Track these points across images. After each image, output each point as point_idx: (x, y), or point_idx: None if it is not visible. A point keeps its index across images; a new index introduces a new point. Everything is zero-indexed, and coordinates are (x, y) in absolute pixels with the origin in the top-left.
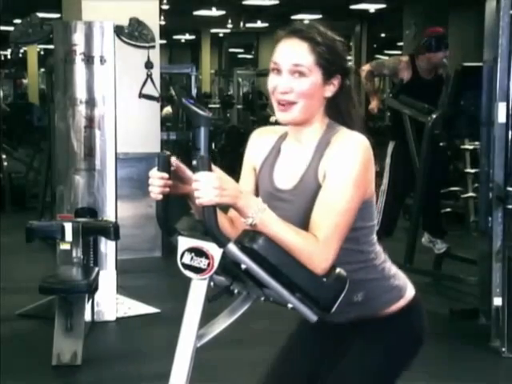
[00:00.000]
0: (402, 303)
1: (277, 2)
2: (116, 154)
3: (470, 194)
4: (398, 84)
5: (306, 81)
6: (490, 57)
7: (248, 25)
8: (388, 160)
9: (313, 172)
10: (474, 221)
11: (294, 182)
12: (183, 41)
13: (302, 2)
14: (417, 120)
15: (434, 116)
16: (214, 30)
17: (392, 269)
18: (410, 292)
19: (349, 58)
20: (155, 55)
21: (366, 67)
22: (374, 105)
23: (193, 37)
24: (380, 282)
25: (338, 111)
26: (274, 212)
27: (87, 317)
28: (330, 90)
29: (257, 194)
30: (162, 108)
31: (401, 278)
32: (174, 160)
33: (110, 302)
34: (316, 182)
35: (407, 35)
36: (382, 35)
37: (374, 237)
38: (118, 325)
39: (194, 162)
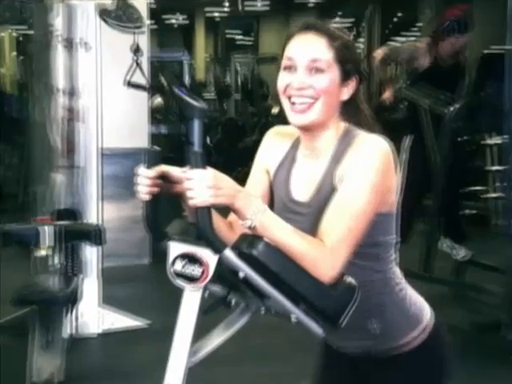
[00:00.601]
0: (419, 331)
1: None
2: (100, 149)
3: (493, 194)
4: (414, 72)
5: (324, 77)
6: None
7: (247, 7)
8: (403, 156)
9: (329, 179)
10: (497, 224)
11: (310, 194)
12: (175, 24)
13: None
14: (435, 112)
15: (454, 107)
16: (209, 12)
17: (408, 291)
18: (429, 317)
19: (359, 43)
20: (144, 40)
21: (378, 53)
22: (387, 95)
23: (186, 19)
24: (397, 307)
25: (352, 117)
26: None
27: (67, 331)
28: (346, 93)
29: (268, 200)
30: (151, 98)
31: (418, 302)
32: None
33: (93, 315)
34: (332, 189)
35: (425, 17)
36: (397, 17)
37: (393, 253)
38: (101, 340)
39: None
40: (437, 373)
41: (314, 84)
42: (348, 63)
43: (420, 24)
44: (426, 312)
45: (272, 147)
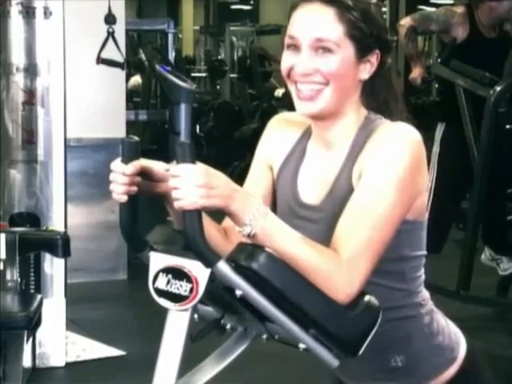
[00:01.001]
0: (454, 369)
1: None
2: (65, 140)
3: None
4: (450, 45)
5: (334, 58)
6: None
7: None
8: (436, 149)
9: (346, 176)
10: None
11: (322, 196)
12: None
13: None
14: (475, 94)
15: (499, 88)
16: None
17: (440, 320)
18: (463, 350)
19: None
20: (119, 6)
21: (405, 22)
22: (416, 73)
23: None
24: (427, 339)
25: (376, 98)
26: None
27: (26, 361)
28: (366, 71)
29: (272, 202)
30: (128, 78)
31: (451, 332)
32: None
33: (58, 342)
34: (349, 188)
35: None
36: None
37: (423, 274)
38: (68, 372)
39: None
40: None
41: (321, 67)
42: (366, 37)
43: None
44: (461, 342)
45: (277, 138)
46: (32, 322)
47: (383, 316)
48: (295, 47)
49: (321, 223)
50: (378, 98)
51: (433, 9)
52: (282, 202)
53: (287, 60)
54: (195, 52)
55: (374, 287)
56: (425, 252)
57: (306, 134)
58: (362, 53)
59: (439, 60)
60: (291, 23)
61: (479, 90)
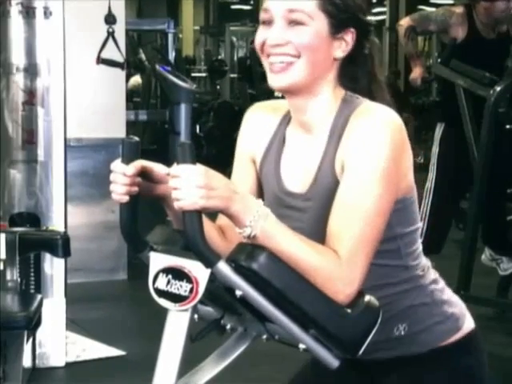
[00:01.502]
0: (456, 338)
1: None
2: (65, 140)
3: None
4: (450, 45)
5: (306, 30)
6: None
7: None
8: (435, 149)
9: (329, 165)
10: None
11: (307, 184)
12: None
13: None
14: (475, 94)
15: (499, 88)
16: None
17: (445, 291)
18: (469, 324)
19: (382, 10)
20: (119, 6)
21: (405, 21)
22: (416, 73)
23: None
24: (430, 308)
25: (356, 81)
26: (282, 223)
27: (26, 361)
28: (341, 49)
29: (260, 196)
30: (128, 78)
31: (457, 305)
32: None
33: (58, 342)
34: (333, 179)
35: None
36: None
37: (419, 246)
38: (68, 372)
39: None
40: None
41: (293, 39)
42: (341, 13)
43: None
44: (467, 317)
45: (254, 129)
46: (32, 322)
47: (383, 291)
48: (268, 22)
49: (308, 212)
50: (361, 87)
51: (433, 9)
52: (267, 192)
53: (261, 34)
54: (195, 52)
55: (373, 267)
56: (418, 225)
57: (284, 120)
58: (335, 29)
59: (439, 60)
60: None
61: (479, 89)
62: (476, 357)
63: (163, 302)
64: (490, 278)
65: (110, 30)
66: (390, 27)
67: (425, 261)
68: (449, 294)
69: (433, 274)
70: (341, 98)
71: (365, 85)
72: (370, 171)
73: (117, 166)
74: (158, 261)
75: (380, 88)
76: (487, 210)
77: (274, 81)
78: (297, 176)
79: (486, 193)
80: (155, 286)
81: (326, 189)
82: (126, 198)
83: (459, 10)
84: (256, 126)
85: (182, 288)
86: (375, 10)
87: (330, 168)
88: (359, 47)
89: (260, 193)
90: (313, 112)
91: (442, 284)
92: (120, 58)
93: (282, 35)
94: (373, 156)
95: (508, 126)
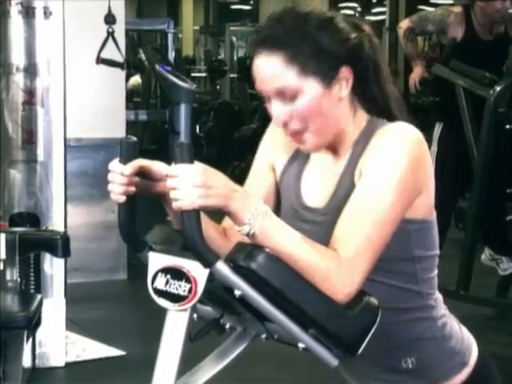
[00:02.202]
0: (465, 374)
1: None
2: (65, 140)
3: None
4: (449, 45)
5: (301, 101)
6: None
7: None
8: (434, 148)
9: (349, 179)
10: None
11: (325, 199)
12: None
13: None
14: (474, 94)
15: (499, 88)
16: None
17: (454, 325)
18: (475, 355)
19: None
20: (119, 6)
21: (404, 23)
22: (417, 73)
23: None
24: (440, 342)
25: (372, 100)
26: None
27: (26, 361)
28: (342, 89)
29: (273, 205)
30: (128, 78)
31: (464, 339)
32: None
33: (58, 342)
34: (352, 189)
35: None
36: None
37: (436, 275)
38: (67, 372)
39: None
40: None
41: (294, 113)
42: (323, 63)
43: None
44: (473, 347)
45: (280, 140)
46: (32, 322)
47: (395, 317)
48: (268, 98)
49: (325, 226)
50: (376, 103)
51: (433, 9)
52: (285, 204)
53: (269, 111)
54: (195, 52)
55: (386, 288)
56: (438, 252)
57: None
58: (327, 79)
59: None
60: (253, 74)
61: (479, 89)
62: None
63: (162, 302)
64: (490, 278)
65: (110, 30)
66: (389, 27)
67: (438, 293)
68: (456, 328)
69: (443, 309)
70: (365, 121)
71: (382, 102)
72: (386, 178)
73: (115, 165)
74: (156, 261)
75: (398, 105)
76: (487, 210)
77: (301, 148)
78: (316, 192)
79: (486, 193)
80: (154, 285)
81: (344, 202)
82: (123, 198)
83: (457, 9)
84: (281, 135)
85: (180, 288)
86: (375, 10)
87: (350, 181)
88: (363, 73)
89: (275, 201)
90: (338, 140)
91: (451, 318)
92: (120, 58)
93: (282, 112)
94: (390, 164)
95: (508, 126)
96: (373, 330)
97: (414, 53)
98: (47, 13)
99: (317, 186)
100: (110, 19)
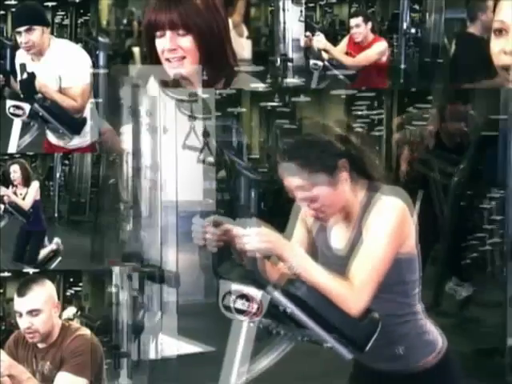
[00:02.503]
0: (434, 356)
1: None
2: (161, 201)
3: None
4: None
5: (321, 196)
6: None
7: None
8: (417, 208)
9: (358, 235)
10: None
11: (347, 248)
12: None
13: None
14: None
15: (458, 178)
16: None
17: (428, 323)
18: (440, 345)
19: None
20: (212, 124)
21: (394, 137)
22: (404, 166)
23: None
24: (420, 336)
25: (362, 176)
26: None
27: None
28: (343, 178)
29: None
30: (217, 171)
31: (434, 331)
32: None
33: (170, 342)
34: (361, 242)
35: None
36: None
37: (419, 292)
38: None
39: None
40: None
41: (314, 206)
42: (324, 166)
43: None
44: (439, 339)
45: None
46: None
47: (392, 320)
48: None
49: (344, 267)
50: (364, 175)
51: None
52: (320, 251)
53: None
54: (251, 141)
55: (386, 302)
56: (419, 277)
57: None
58: (332, 176)
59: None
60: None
61: (444, 180)
62: (452, 364)
63: (235, 316)
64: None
65: (206, 142)
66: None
67: (420, 303)
68: (430, 326)
69: (423, 313)
70: (364, 196)
71: (367, 174)
72: (382, 236)
73: (196, 220)
74: (225, 286)
75: (379, 173)
76: (451, 253)
77: (318, 220)
78: (338, 243)
79: (450, 241)
80: (224, 303)
81: (356, 250)
82: (215, 249)
83: (431, 126)
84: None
85: (250, 307)
86: None
87: (359, 237)
88: (351, 164)
89: (310, 247)
90: (347, 209)
91: (427, 319)
92: (212, 160)
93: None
94: (383, 228)
95: (462, 203)
96: (375, 336)
97: (402, 151)
98: (165, 129)
99: (340, 238)
100: (205, 134)
